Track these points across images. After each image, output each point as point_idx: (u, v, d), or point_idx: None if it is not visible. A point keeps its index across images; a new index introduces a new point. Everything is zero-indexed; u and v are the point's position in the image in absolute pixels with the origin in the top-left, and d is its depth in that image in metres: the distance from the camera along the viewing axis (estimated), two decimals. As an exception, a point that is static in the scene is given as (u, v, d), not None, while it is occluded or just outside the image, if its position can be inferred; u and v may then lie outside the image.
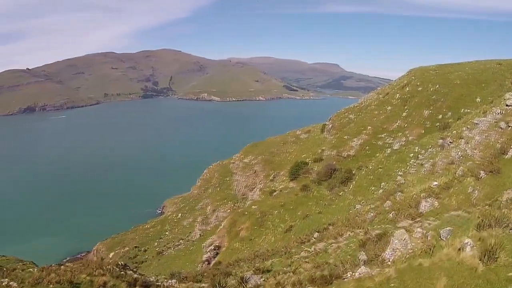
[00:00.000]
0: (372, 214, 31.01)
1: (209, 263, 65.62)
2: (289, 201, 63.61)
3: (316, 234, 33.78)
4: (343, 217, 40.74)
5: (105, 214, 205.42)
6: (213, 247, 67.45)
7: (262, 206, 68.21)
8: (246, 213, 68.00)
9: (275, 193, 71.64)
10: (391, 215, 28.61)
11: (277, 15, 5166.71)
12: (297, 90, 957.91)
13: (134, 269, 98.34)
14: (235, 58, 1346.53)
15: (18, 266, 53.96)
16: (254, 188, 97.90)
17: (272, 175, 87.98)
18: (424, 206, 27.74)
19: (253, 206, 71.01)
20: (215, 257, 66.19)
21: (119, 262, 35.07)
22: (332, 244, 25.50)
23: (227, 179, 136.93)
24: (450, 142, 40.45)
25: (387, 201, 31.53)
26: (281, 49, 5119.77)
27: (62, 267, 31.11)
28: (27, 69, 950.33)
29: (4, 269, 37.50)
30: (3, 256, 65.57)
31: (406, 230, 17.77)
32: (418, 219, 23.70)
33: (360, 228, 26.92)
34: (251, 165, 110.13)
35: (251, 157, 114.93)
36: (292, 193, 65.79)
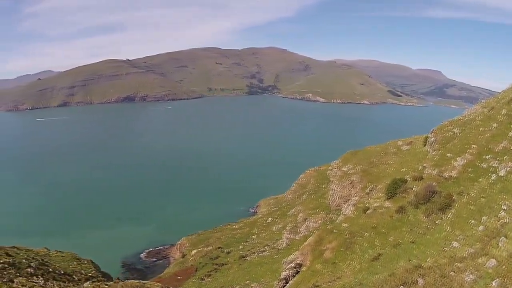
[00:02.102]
0: (471, 276, 26.65)
1: (286, 282, 63.68)
2: (382, 223, 59.42)
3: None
4: (437, 257, 36.54)
5: (196, 208, 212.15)
6: (293, 265, 65.21)
7: (353, 225, 64.62)
8: (335, 231, 64.79)
9: (368, 211, 67.60)
10: (495, 283, 24.37)
11: (382, 17, 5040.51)
12: (401, 96, 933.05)
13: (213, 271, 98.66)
14: (341, 59, 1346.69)
15: (70, 267, 56.04)
16: (349, 200, 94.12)
17: (368, 188, 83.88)
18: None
19: (343, 224, 67.68)
20: (294, 275, 64.03)
21: None
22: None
23: (323, 186, 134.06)
24: None
25: (491, 259, 27.02)
26: (386, 53, 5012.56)
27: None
28: (127, 59, 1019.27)
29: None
30: (60, 251, 68.87)
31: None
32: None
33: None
34: (349, 174, 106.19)
35: (349, 165, 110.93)
36: (387, 214, 61.41)
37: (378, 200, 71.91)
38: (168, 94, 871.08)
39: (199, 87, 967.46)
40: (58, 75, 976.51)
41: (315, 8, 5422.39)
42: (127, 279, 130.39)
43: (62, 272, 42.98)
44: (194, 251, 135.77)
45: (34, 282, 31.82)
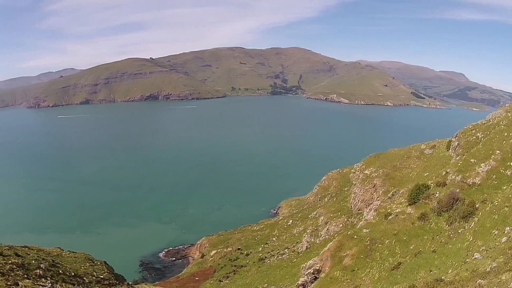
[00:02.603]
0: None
1: (304, 288, 62.82)
2: (403, 230, 58.18)
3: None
4: (458, 270, 35.25)
5: (218, 208, 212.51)
6: (312, 271, 64.30)
7: (374, 231, 63.55)
8: (356, 237, 63.89)
9: (390, 217, 66.27)
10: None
11: (406, 18, 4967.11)
12: (424, 98, 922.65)
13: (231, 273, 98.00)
14: (364, 60, 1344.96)
15: (82, 268, 55.82)
16: (371, 204, 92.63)
17: (391, 192, 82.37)
18: None
19: (364, 230, 66.66)
20: (312, 282, 63.09)
21: None
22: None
23: (345, 189, 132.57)
24: None
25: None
26: (409, 54, 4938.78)
27: None
28: (151, 58, 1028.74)
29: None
30: (72, 252, 68.86)
31: None
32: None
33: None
34: (371, 178, 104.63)
35: (372, 168, 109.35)
36: (409, 221, 60.11)
37: (400, 205, 70.56)
38: (192, 93, 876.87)
39: (223, 86, 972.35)
40: (80, 73, 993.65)
41: (338, 8, 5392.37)
42: (144, 279, 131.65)
43: (73, 274, 42.65)
44: (213, 252, 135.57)
45: (41, 285, 31.39)
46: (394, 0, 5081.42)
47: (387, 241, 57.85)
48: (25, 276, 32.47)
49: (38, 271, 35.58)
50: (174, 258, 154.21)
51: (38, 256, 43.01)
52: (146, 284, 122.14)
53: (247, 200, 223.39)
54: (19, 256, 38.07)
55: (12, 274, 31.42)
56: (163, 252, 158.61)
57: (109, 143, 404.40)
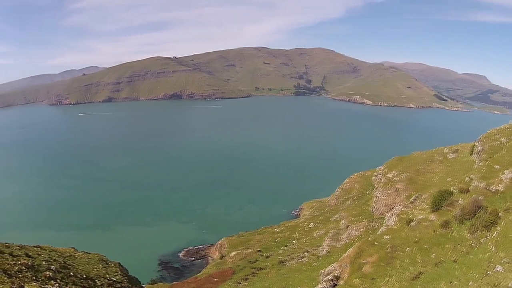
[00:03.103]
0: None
1: (322, 295, 61.70)
2: (425, 238, 56.88)
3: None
4: (479, 282, 34.12)
5: (239, 208, 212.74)
6: (331, 277, 63.15)
7: (395, 237, 62.36)
8: (376, 243, 62.67)
9: (412, 223, 64.97)
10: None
11: (429, 20, 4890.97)
12: (446, 100, 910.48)
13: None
14: (388, 62, 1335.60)
15: (94, 270, 55.63)
16: (393, 208, 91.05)
17: (413, 197, 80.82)
18: None
19: (385, 236, 65.43)
20: (330, 288, 61.96)
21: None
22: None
23: (367, 192, 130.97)
24: None
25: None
26: (432, 56, 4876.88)
27: None
28: (174, 57, 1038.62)
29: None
30: (87, 253, 68.84)
31: None
32: None
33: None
34: (394, 182, 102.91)
35: (394, 172, 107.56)
36: (431, 228, 58.77)
37: (422, 211, 69.14)
38: (215, 93, 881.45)
39: (247, 86, 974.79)
40: (104, 71, 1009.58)
41: (362, 10, 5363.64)
42: (163, 278, 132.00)
43: (84, 276, 42.42)
44: (233, 253, 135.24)
45: (49, 287, 31.06)
46: (419, 2, 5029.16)
47: (408, 248, 56.64)
48: (34, 278, 32.25)
49: (48, 272, 35.37)
50: (193, 258, 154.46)
51: (49, 257, 42.92)
52: (163, 284, 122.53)
53: (269, 200, 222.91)
54: (29, 257, 37.96)
55: (20, 275, 31.23)
56: (183, 252, 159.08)
57: (131, 141, 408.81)
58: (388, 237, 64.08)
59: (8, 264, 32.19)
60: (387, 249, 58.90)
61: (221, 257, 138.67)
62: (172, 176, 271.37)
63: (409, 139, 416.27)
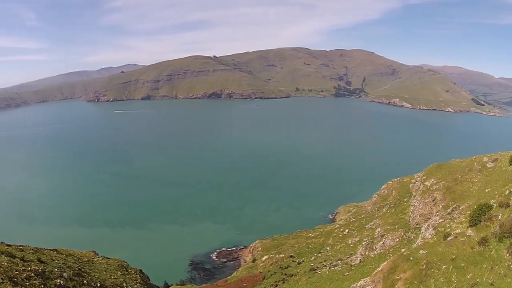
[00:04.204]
0: None
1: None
2: (461, 255, 53.68)
3: None
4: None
5: (275, 210, 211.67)
6: (362, 292, 60.69)
7: (431, 253, 59.36)
8: (411, 258, 59.95)
9: (449, 238, 61.82)
10: None
11: (468, 23, 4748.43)
12: (483, 105, 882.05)
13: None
14: (427, 65, 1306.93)
15: (111, 278, 54.17)
16: (430, 218, 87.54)
17: (451, 208, 77.44)
18: None
19: (421, 251, 62.49)
20: (361, 303, 59.59)
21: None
22: None
23: (404, 200, 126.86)
24: None
25: None
26: (469, 59, 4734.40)
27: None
28: (214, 56, 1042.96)
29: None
30: (107, 258, 67.64)
31: None
32: None
33: None
34: (432, 190, 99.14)
35: (433, 180, 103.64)
36: (468, 245, 55.50)
37: (460, 225, 65.90)
38: (255, 93, 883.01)
39: (287, 86, 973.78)
40: (143, 69, 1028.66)
41: (401, 11, 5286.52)
42: (192, 279, 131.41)
43: (99, 284, 41.20)
44: (265, 257, 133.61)
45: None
46: (457, 4, 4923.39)
47: (443, 266, 53.66)
48: (42, 286, 31.06)
49: (58, 280, 34.27)
50: (226, 260, 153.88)
51: (64, 263, 41.82)
52: (192, 285, 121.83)
53: (306, 203, 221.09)
54: (42, 262, 36.94)
55: (27, 283, 30.16)
56: (215, 253, 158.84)
57: (168, 139, 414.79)
58: (424, 252, 61.19)
59: (16, 270, 31.13)
60: (422, 265, 56.14)
61: (253, 260, 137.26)
62: (208, 176, 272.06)
63: (448, 144, 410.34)
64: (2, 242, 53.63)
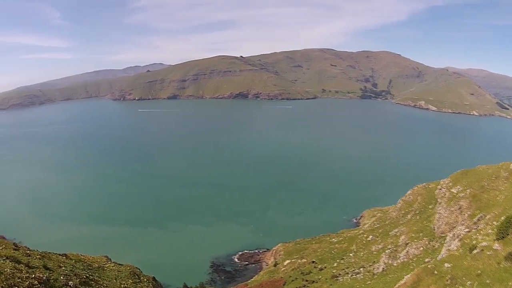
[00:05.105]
0: None
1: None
2: (487, 271, 51.25)
3: None
4: None
5: (299, 212, 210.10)
6: (382, 303, 58.67)
7: (456, 267, 57.16)
8: (436, 272, 57.98)
9: (475, 251, 59.26)
10: None
11: (493, 25, 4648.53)
12: (508, 109, 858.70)
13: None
14: (452, 67, 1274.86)
15: (121, 286, 52.91)
16: (455, 227, 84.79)
17: (477, 217, 74.84)
18: None
19: (445, 264, 60.32)
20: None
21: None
22: None
23: (430, 207, 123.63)
24: None
25: None
26: (493, 62, 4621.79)
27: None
28: (241, 56, 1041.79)
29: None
30: (119, 264, 66.52)
31: None
32: None
33: None
34: (458, 198, 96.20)
35: (459, 187, 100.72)
36: (494, 259, 53.01)
37: (486, 237, 63.27)
38: (282, 93, 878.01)
39: (313, 87, 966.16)
40: (168, 68, 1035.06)
41: (427, 13, 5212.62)
42: (213, 281, 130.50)
43: (107, 293, 39.93)
44: (287, 262, 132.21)
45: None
46: (480, 6, 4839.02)
47: (468, 282, 51.40)
48: (44, 295, 29.93)
49: (63, 289, 33.06)
50: (247, 263, 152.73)
51: (71, 270, 40.75)
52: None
53: (330, 206, 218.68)
54: (47, 269, 35.94)
55: (28, 293, 28.92)
56: (237, 255, 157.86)
57: (193, 138, 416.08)
58: (449, 265, 58.94)
59: (19, 278, 30.00)
60: (447, 280, 53.99)
61: (275, 265, 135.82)
62: (232, 176, 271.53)
63: (473, 149, 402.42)
64: (14, 242, 53.11)
